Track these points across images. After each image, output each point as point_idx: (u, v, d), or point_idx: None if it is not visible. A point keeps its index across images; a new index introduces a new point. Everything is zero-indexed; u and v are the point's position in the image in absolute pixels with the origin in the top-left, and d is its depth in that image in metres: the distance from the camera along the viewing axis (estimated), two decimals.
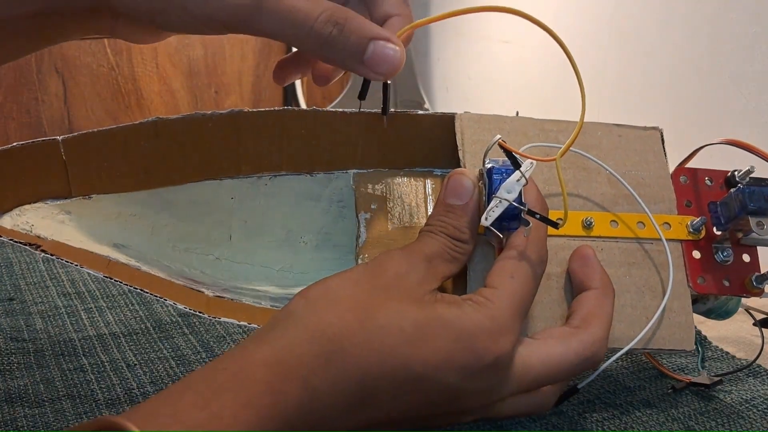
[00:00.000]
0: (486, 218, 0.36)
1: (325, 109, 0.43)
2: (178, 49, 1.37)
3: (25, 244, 0.38)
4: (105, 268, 0.39)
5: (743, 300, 0.44)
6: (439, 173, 0.44)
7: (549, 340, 0.36)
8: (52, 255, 0.38)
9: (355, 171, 0.44)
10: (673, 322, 0.40)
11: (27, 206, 0.40)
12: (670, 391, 0.46)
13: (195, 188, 0.43)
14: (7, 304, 0.57)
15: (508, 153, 0.37)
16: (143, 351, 0.50)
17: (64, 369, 0.48)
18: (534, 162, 0.37)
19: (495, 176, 0.37)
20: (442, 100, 1.42)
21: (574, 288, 0.40)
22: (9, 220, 0.39)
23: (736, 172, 0.43)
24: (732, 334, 0.54)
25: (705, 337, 0.52)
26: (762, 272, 0.42)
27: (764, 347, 0.44)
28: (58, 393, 0.45)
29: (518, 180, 0.36)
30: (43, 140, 0.40)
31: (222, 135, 0.42)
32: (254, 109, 0.42)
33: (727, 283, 0.42)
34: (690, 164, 0.44)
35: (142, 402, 0.29)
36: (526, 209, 0.36)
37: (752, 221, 0.40)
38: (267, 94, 1.53)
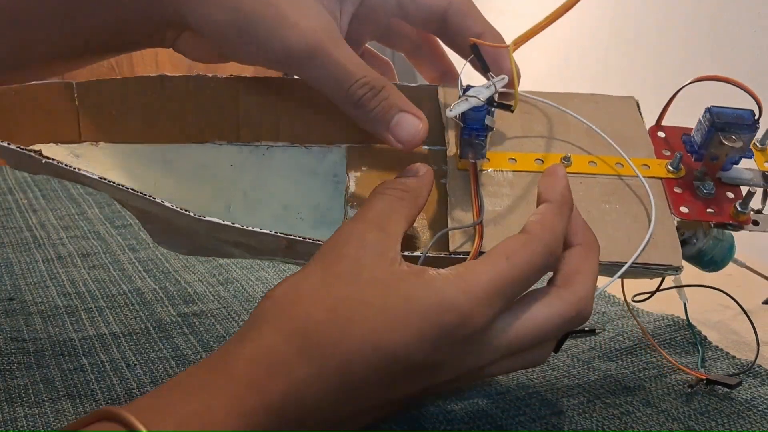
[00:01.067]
0: (450, 109, 0.36)
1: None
2: None
3: (30, 151, 0.38)
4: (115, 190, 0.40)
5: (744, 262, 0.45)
6: (426, 149, 0.45)
7: (532, 304, 0.36)
8: (68, 165, 0.38)
9: (347, 145, 0.45)
10: (658, 243, 0.40)
11: (41, 145, 0.43)
12: (689, 390, 0.45)
13: (196, 150, 0.45)
14: (7, 304, 0.57)
15: (478, 55, 0.38)
16: (143, 351, 0.50)
17: (64, 369, 0.48)
18: (506, 77, 0.38)
19: (463, 94, 0.38)
20: None
21: (537, 202, 0.38)
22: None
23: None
24: (731, 334, 0.55)
25: (705, 337, 0.52)
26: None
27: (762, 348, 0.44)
28: (58, 393, 0.45)
29: (488, 87, 0.37)
30: (59, 81, 0.43)
31: (222, 98, 0.44)
32: (254, 76, 0.44)
33: (711, 211, 0.42)
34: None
35: (135, 399, 0.30)
36: (486, 101, 0.37)
37: (724, 138, 0.40)
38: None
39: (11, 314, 0.55)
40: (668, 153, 0.44)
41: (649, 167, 0.43)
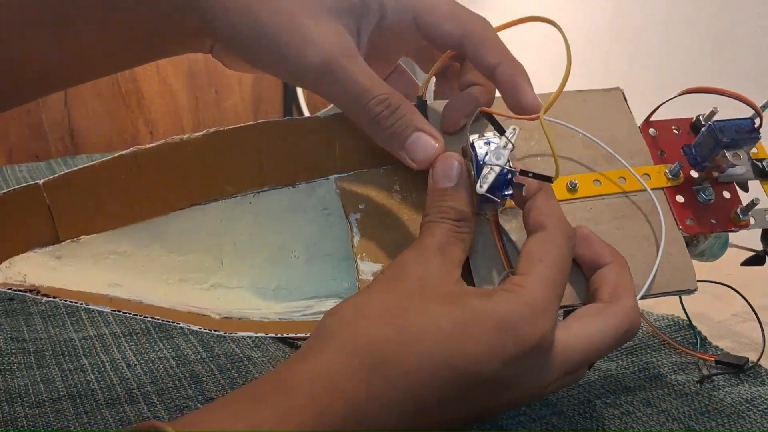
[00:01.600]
0: (480, 186, 0.36)
1: (296, 117, 0.43)
2: None
3: (24, 291, 0.38)
4: (108, 302, 0.39)
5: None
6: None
7: (585, 319, 0.36)
8: (54, 297, 0.38)
9: (336, 176, 0.44)
10: (672, 266, 0.41)
11: (16, 257, 0.40)
12: (697, 386, 0.46)
13: (181, 216, 0.42)
14: (7, 304, 0.57)
15: (491, 119, 0.37)
16: (143, 351, 0.50)
17: (64, 369, 0.48)
18: (518, 128, 0.37)
19: (478, 149, 0.37)
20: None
21: (585, 271, 0.39)
22: (0, 275, 0.39)
23: (701, 116, 0.45)
24: (732, 334, 0.55)
25: (705, 338, 0.52)
26: (744, 204, 0.43)
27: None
28: (59, 393, 0.45)
29: (505, 146, 0.36)
30: (24, 186, 0.39)
31: (201, 158, 0.42)
32: (229, 127, 0.42)
33: (714, 221, 0.42)
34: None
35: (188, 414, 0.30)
36: (518, 171, 0.36)
37: (728, 154, 0.41)
38: (267, 94, 1.53)
39: (11, 314, 0.55)
40: (663, 154, 0.44)
41: (650, 177, 0.43)
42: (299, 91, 1.51)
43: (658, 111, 0.45)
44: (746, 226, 0.43)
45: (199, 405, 0.44)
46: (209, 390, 0.46)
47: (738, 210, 0.42)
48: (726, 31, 0.80)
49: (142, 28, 0.40)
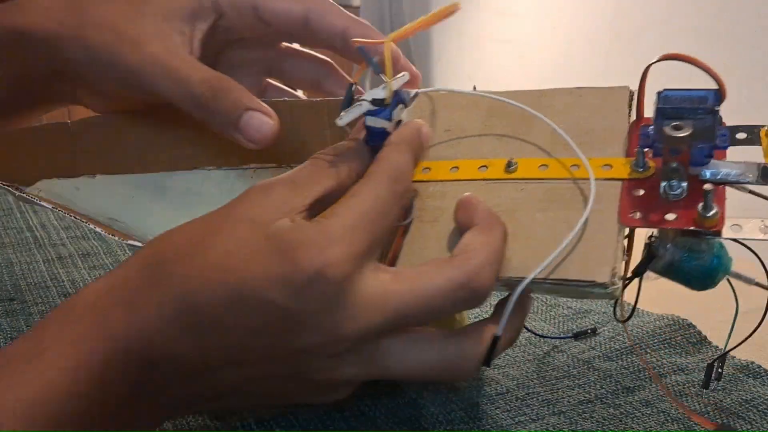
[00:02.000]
0: (340, 118, 0.36)
1: (297, 99, 0.48)
2: None
3: (34, 200, 0.46)
4: (107, 228, 0.46)
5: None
6: None
7: (417, 268, 0.34)
8: (60, 210, 0.46)
9: None
10: (588, 254, 0.35)
11: (46, 180, 0.48)
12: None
13: (186, 176, 0.46)
14: (7, 304, 0.57)
15: (367, 57, 0.37)
16: None
17: None
18: (406, 74, 0.39)
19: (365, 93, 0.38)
20: None
21: (461, 235, 0.36)
22: (33, 192, 0.47)
23: None
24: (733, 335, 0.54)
25: (705, 337, 0.52)
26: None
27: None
28: None
29: (383, 88, 0.37)
30: (55, 123, 0.47)
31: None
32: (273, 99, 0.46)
33: (672, 217, 0.35)
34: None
35: None
36: (371, 101, 0.37)
37: (667, 126, 0.34)
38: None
39: (12, 314, 0.55)
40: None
41: (611, 167, 0.38)
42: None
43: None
44: (717, 226, 0.34)
45: None
46: None
47: (699, 206, 0.34)
48: (726, 31, 0.80)
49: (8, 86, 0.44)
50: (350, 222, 0.32)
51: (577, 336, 0.52)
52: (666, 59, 0.36)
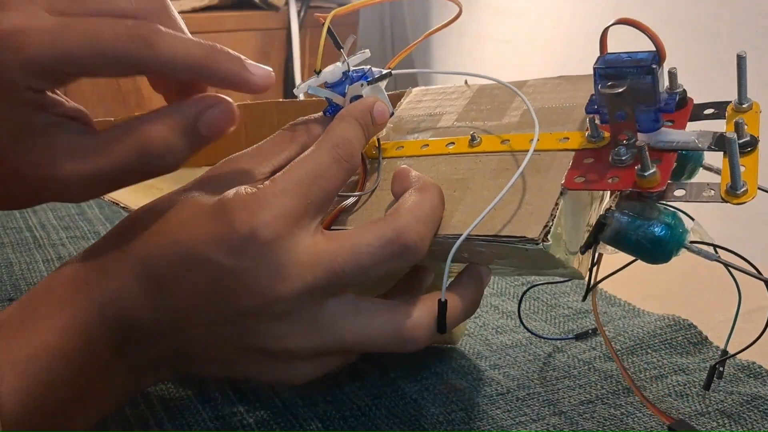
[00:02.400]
0: (296, 87, 0.38)
1: (301, 99, 0.49)
2: None
3: None
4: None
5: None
6: None
7: (351, 229, 0.36)
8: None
9: None
10: (525, 215, 0.36)
11: None
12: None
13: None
14: (7, 304, 0.57)
15: (330, 32, 0.38)
16: None
17: None
18: (368, 51, 0.40)
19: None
20: None
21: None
22: None
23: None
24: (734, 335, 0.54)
25: (706, 337, 0.52)
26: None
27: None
28: None
29: (343, 62, 0.39)
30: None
31: (256, 120, 0.49)
32: (251, 102, 0.50)
33: (614, 180, 0.36)
34: None
35: None
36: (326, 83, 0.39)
37: (603, 87, 0.35)
38: (267, 93, 1.53)
39: None
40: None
41: (568, 139, 0.39)
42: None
43: None
44: (658, 186, 0.35)
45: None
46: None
47: (638, 167, 0.34)
48: (726, 31, 0.80)
49: None
50: (284, 186, 0.34)
51: (579, 337, 0.52)
52: (619, 23, 0.36)
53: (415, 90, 0.48)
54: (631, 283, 0.60)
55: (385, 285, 0.40)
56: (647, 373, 0.48)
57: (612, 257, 0.40)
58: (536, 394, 0.45)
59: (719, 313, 0.57)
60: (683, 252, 0.37)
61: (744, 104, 0.38)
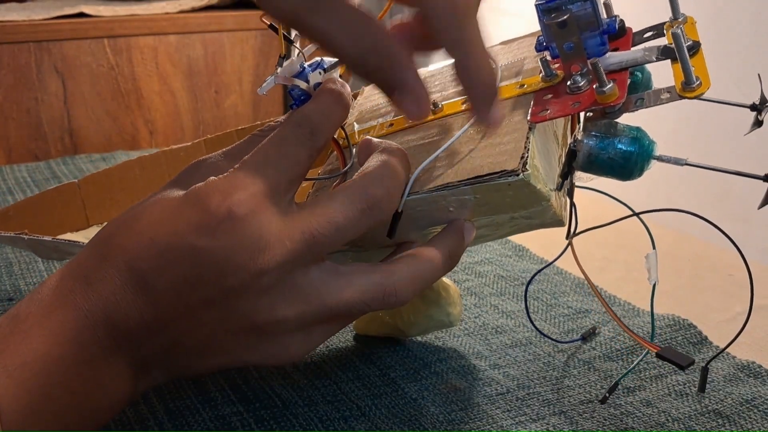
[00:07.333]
0: (260, 87, 0.39)
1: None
2: (178, 49, 1.37)
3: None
4: None
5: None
6: None
7: (318, 198, 0.37)
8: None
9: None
10: (500, 153, 0.37)
11: (70, 233, 0.57)
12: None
13: None
14: (7, 304, 0.57)
15: (272, 27, 0.39)
16: None
17: None
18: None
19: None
20: None
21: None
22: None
23: None
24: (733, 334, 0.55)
25: (705, 337, 0.52)
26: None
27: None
28: None
29: (298, 55, 0.39)
30: (65, 184, 0.59)
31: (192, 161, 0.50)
32: (217, 133, 0.56)
33: (575, 105, 0.37)
34: None
35: None
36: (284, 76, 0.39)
37: (548, 20, 0.37)
38: (267, 95, 1.52)
39: None
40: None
41: (525, 86, 0.41)
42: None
43: None
44: (618, 99, 0.36)
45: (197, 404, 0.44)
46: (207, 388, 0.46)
47: (595, 85, 0.36)
48: (726, 31, 0.80)
49: None
50: (252, 167, 0.35)
51: (585, 339, 0.51)
52: None
53: (368, 87, 0.51)
54: (631, 283, 0.61)
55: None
56: (647, 373, 0.48)
57: (591, 215, 0.42)
58: (536, 394, 0.45)
59: (719, 313, 0.57)
60: (654, 163, 0.38)
61: (679, 18, 0.39)
